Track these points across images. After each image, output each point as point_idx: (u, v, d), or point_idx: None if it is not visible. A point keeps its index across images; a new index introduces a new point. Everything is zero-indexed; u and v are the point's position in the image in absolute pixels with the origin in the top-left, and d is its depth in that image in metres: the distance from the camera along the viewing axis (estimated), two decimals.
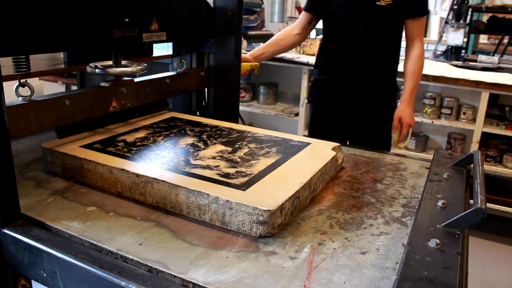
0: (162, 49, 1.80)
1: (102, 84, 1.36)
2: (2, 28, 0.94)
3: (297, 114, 3.77)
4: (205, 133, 1.37)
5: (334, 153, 1.24)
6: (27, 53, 1.09)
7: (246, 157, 1.17)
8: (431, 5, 10.13)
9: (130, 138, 1.30)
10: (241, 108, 3.83)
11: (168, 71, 1.78)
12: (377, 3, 1.98)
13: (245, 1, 3.97)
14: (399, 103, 2.16)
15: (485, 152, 3.24)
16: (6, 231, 0.91)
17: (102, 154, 1.15)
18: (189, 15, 1.53)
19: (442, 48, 4.41)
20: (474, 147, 3.18)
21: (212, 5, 1.62)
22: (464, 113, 3.25)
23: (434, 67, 3.33)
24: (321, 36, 4.01)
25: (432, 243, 0.78)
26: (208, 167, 1.10)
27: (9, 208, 0.93)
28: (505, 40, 4.85)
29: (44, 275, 0.88)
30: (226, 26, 1.62)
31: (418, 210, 0.93)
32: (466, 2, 4.04)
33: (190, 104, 1.84)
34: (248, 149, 1.23)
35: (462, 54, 4.05)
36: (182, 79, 1.66)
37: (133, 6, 1.28)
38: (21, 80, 1.12)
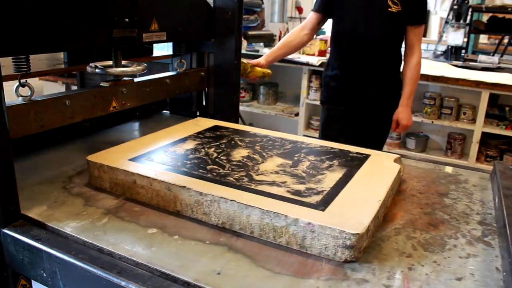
0: (162, 49, 1.80)
1: (102, 84, 1.36)
2: (2, 28, 0.94)
3: (297, 114, 3.77)
4: (257, 144, 1.28)
5: (399, 166, 1.18)
6: (27, 53, 1.09)
7: (311, 171, 1.10)
8: (431, 5, 10.22)
9: (179, 150, 1.20)
10: (241, 108, 3.84)
11: (168, 71, 1.78)
12: (389, 9, 2.13)
13: (245, 1, 3.98)
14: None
15: (485, 152, 3.24)
16: (6, 231, 0.91)
17: (154, 169, 1.06)
18: (189, 15, 1.53)
19: (442, 48, 4.41)
20: (474, 147, 3.18)
21: (212, 5, 1.62)
22: (464, 113, 3.25)
23: (434, 67, 3.33)
24: (321, 36, 4.01)
25: None
26: (274, 183, 1.01)
27: (9, 208, 0.93)
28: (505, 40, 4.85)
29: (44, 275, 0.88)
30: (226, 26, 1.62)
31: (506, 231, 0.89)
32: (466, 2, 4.04)
33: (190, 104, 1.84)
34: (309, 162, 1.16)
35: (462, 54, 4.05)
36: (182, 79, 1.66)
37: (133, 6, 1.28)
38: (21, 80, 1.12)
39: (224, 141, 1.30)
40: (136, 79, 1.47)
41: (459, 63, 3.58)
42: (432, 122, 3.32)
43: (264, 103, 4.00)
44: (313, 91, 3.66)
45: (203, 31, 1.62)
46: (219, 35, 1.65)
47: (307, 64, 3.52)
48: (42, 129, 1.16)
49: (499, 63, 3.54)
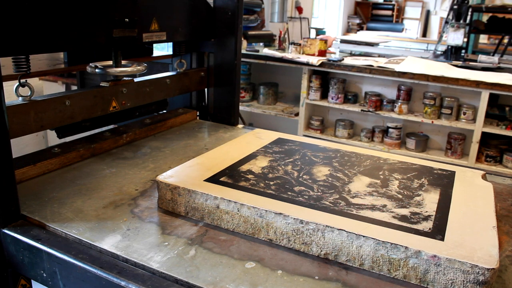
0: (162, 49, 1.80)
1: (102, 84, 1.36)
2: (2, 28, 0.94)
3: (297, 114, 3.77)
4: (334, 160, 1.23)
5: (491, 184, 1.11)
6: (27, 53, 1.09)
7: (404, 192, 1.05)
8: (431, 5, 10.00)
9: (255, 168, 1.12)
10: (241, 108, 3.84)
11: (168, 71, 1.78)
12: None
13: (245, 1, 3.97)
14: None
15: (485, 152, 3.25)
16: (6, 231, 0.91)
17: (239, 192, 0.96)
18: (189, 15, 1.53)
19: (442, 48, 4.42)
20: (474, 147, 3.18)
21: (212, 5, 1.62)
22: (464, 113, 3.25)
23: (434, 67, 3.33)
24: (321, 36, 4.01)
25: None
26: (375, 207, 0.95)
27: (9, 208, 0.93)
28: (505, 40, 4.85)
29: (44, 275, 0.88)
30: (226, 26, 1.62)
31: None
32: (466, 2, 4.05)
33: (190, 104, 1.84)
34: (398, 182, 1.11)
35: (462, 54, 4.06)
36: (182, 79, 1.66)
37: (133, 6, 1.28)
38: (21, 80, 1.12)
39: (297, 156, 1.24)
40: (136, 79, 1.47)
41: (459, 63, 3.58)
42: (432, 122, 3.32)
43: (264, 103, 4.00)
44: (313, 91, 3.66)
45: (203, 31, 1.62)
46: (219, 35, 1.65)
47: (307, 64, 3.51)
48: (42, 129, 1.16)
49: (499, 63, 3.54)
